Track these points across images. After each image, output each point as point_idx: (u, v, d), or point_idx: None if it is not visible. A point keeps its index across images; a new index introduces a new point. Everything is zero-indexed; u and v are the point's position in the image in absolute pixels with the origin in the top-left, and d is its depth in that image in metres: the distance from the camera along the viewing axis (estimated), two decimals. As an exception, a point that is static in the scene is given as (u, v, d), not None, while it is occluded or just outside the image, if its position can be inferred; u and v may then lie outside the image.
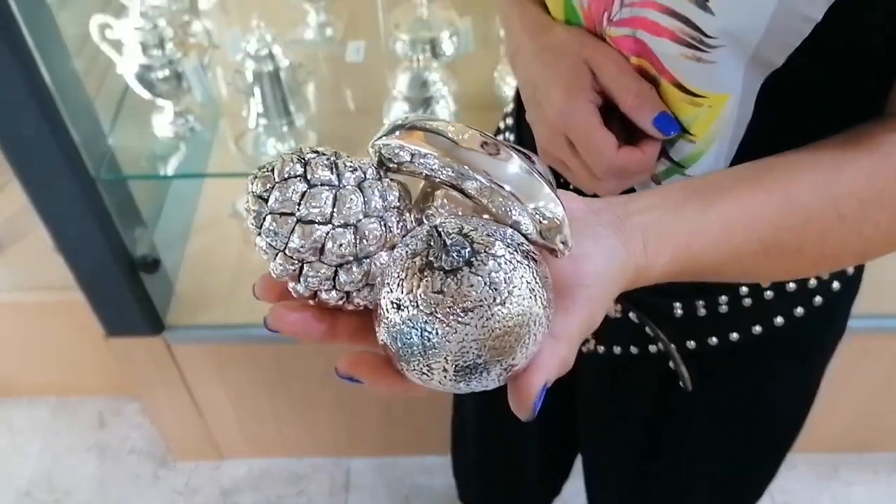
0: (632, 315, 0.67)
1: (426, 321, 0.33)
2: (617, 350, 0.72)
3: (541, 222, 0.36)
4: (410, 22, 1.26)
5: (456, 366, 0.34)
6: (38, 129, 1.01)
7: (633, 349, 0.71)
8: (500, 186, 0.36)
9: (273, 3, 1.40)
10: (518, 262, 0.34)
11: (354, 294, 0.37)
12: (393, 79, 1.19)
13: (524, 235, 0.37)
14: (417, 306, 0.33)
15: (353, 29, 1.41)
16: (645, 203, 0.43)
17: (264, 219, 0.36)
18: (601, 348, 0.73)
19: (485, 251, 0.34)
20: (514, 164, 0.36)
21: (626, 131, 0.54)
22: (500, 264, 0.34)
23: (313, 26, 1.38)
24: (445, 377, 0.34)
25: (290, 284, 0.37)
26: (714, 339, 0.67)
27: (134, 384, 1.49)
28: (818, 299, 0.65)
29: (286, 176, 0.35)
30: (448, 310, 0.33)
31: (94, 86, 1.18)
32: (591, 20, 0.54)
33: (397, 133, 0.37)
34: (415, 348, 0.34)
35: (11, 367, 1.68)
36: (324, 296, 0.37)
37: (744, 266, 0.46)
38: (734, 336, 0.67)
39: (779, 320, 0.66)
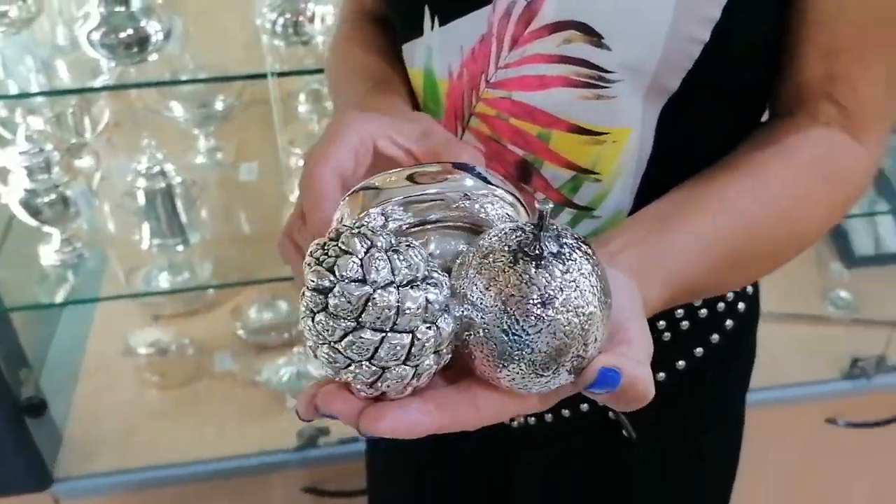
0: None
1: (525, 311, 0.34)
2: (566, 413, 0.69)
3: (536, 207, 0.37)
4: (302, 137, 1.29)
5: (546, 353, 0.34)
6: None
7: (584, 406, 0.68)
8: (489, 184, 0.39)
9: (161, 130, 1.38)
10: (589, 259, 0.35)
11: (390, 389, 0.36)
12: (291, 186, 1.19)
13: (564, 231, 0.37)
14: (512, 296, 0.34)
15: (244, 152, 1.41)
16: (619, 242, 0.45)
17: (319, 312, 0.34)
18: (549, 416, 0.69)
19: (568, 246, 0.35)
20: (466, 177, 0.39)
21: None
22: (583, 258, 0.35)
23: (203, 151, 1.38)
24: (532, 367, 0.35)
25: (330, 373, 0.36)
26: None
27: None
28: (729, 323, 0.66)
29: (348, 278, 0.33)
30: (538, 297, 0.34)
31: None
32: (462, 88, 0.55)
33: (348, 208, 0.39)
34: (508, 341, 0.34)
35: None
36: (358, 386, 0.36)
37: (717, 279, 0.50)
38: (661, 376, 0.65)
39: (698, 351, 0.65)
